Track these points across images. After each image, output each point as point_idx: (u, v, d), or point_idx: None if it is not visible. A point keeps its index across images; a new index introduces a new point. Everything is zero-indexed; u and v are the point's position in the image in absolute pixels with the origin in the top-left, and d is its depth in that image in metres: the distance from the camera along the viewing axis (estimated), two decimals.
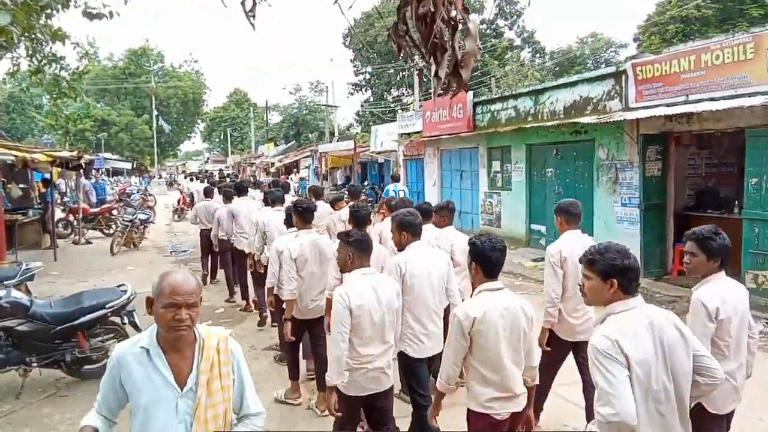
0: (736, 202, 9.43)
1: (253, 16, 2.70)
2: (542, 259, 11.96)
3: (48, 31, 8.73)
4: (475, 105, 15.59)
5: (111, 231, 15.95)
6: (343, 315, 3.41)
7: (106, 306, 5.60)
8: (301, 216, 5.20)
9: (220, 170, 37.50)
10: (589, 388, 3.92)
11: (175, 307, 2.13)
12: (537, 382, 3.24)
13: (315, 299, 5.07)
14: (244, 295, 8.60)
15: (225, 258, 9.24)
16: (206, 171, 34.97)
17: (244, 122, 65.82)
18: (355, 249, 3.61)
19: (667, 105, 9.32)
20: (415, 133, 18.97)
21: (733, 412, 3.21)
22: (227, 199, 9.11)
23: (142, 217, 14.80)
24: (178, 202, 22.59)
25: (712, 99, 8.60)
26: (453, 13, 2.41)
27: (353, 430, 3.72)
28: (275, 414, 4.93)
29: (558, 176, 12.68)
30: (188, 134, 68.30)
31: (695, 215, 9.99)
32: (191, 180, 27.36)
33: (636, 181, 10.34)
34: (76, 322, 5.45)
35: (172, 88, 58.14)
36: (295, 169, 34.67)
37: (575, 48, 39.77)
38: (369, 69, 42.33)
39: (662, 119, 9.68)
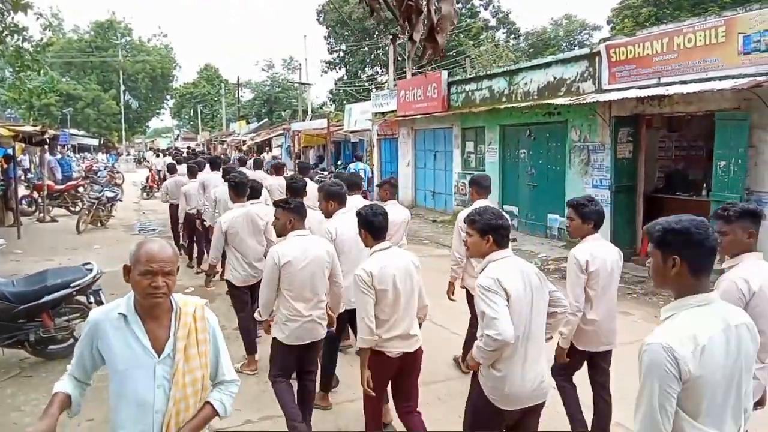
0: (705, 185, 9.61)
1: None
2: (514, 240, 12.15)
3: (9, 0, 8.40)
4: (449, 85, 15.55)
5: (77, 209, 15.58)
6: (273, 269, 3.90)
7: (71, 285, 5.48)
8: (234, 190, 5.76)
9: (189, 147, 36.89)
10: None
11: (152, 275, 2.17)
12: (426, 317, 3.84)
13: (254, 266, 5.44)
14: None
15: (190, 231, 9.62)
16: (175, 148, 34.35)
17: (215, 99, 64.71)
18: (295, 214, 4.05)
19: (639, 87, 9.41)
20: (389, 112, 18.87)
21: (605, 353, 3.91)
22: (191, 175, 9.54)
23: (109, 194, 14.51)
24: (147, 179, 22.20)
25: (683, 82, 8.71)
26: None
27: (288, 374, 4.07)
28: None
29: (531, 157, 12.76)
30: (157, 110, 67.11)
31: (665, 197, 10.17)
32: (158, 156, 26.87)
33: (607, 163, 10.46)
34: (41, 301, 5.32)
35: (140, 62, 56.88)
36: (267, 148, 34.25)
37: (549, 30, 39.89)
38: (343, 47, 41.86)
39: (634, 102, 9.78)
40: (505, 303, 2.85)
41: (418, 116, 16.45)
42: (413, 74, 21.98)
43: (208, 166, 9.83)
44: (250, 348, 5.48)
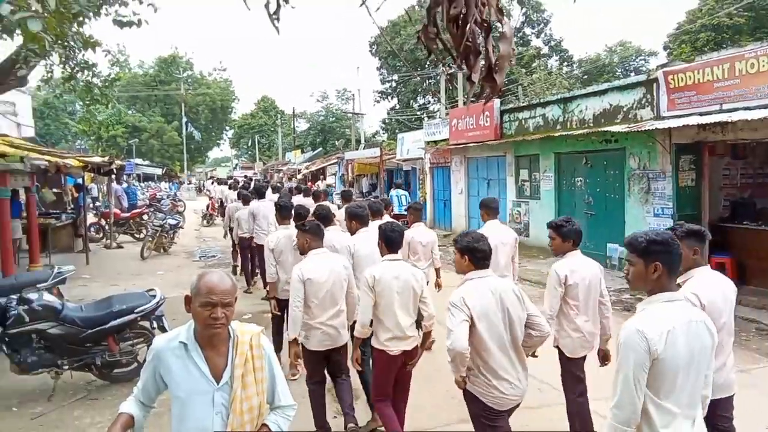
0: None
1: (277, 19, 2.67)
2: None
3: (80, 38, 8.88)
4: (502, 113, 15.47)
5: (141, 235, 16.17)
6: (297, 286, 4.41)
7: (136, 310, 5.65)
8: (279, 213, 6.46)
9: (245, 176, 37.94)
10: None
11: (211, 306, 2.24)
12: (432, 327, 4.27)
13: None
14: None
15: (244, 253, 10.44)
16: (231, 177, 35.48)
17: (272, 129, 66.43)
18: (310, 235, 4.64)
19: (700, 114, 9.11)
20: (441, 140, 18.90)
21: (585, 356, 4.38)
22: (245, 202, 10.41)
23: (172, 222, 14.98)
24: (207, 207, 22.84)
25: (747, 108, 8.39)
26: (486, 15, 2.33)
27: (319, 378, 4.62)
28: None
29: (588, 185, 12.49)
30: (217, 141, 69.24)
31: (731, 227, 9.74)
32: (217, 184, 27.71)
33: (669, 192, 10.13)
34: (107, 326, 5.50)
35: (201, 95, 59.02)
36: (321, 176, 34.79)
37: (604, 56, 39.31)
38: (395, 77, 42.41)
39: (695, 128, 9.47)
40: (464, 318, 3.26)
41: (471, 144, 16.40)
42: (464, 103, 22.00)
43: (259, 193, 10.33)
44: (322, 426, 4.91)
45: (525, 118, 14.54)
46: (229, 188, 18.29)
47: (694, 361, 2.35)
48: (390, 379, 4.18)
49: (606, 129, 10.77)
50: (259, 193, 10.12)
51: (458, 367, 3.32)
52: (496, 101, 15.98)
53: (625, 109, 11.19)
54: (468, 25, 2.24)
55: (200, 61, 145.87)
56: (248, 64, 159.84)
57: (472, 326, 3.30)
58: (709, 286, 3.23)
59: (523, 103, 16.29)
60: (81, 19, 9.05)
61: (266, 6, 2.63)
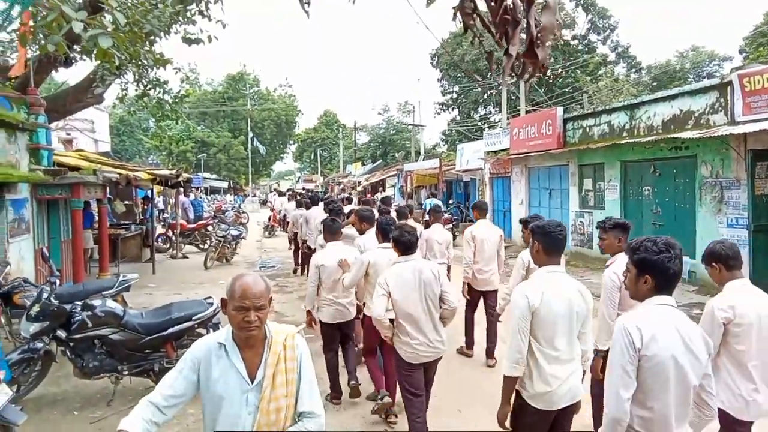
0: None
1: (308, 3, 2.64)
2: None
3: (152, 57, 9.23)
4: (565, 121, 15.07)
5: (206, 246, 16.62)
6: (313, 269, 5.64)
7: (193, 318, 5.73)
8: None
9: (304, 189, 38.83)
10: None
11: (245, 310, 2.28)
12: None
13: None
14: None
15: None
16: (291, 190, 36.48)
17: (333, 143, 67.42)
18: (326, 233, 5.85)
19: None
20: (501, 150, 18.59)
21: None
22: (306, 207, 11.66)
23: (235, 233, 15.31)
24: (269, 219, 23.31)
25: None
26: None
27: (333, 346, 5.64)
28: None
29: (656, 195, 11.94)
30: (281, 155, 70.81)
31: None
32: (279, 195, 28.35)
33: (744, 201, 9.53)
34: (165, 332, 5.61)
35: (266, 110, 60.60)
36: (381, 188, 34.94)
37: (674, 62, 37.79)
38: (456, 88, 42.18)
39: None
40: (382, 293, 4.26)
41: (532, 154, 16.04)
42: (527, 112, 21.58)
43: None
44: (334, 386, 5.68)
45: (589, 125, 14.09)
46: (288, 200, 18.80)
47: (567, 318, 3.18)
48: (376, 337, 4.95)
49: (676, 136, 10.27)
50: (313, 201, 11.53)
51: (381, 328, 4.38)
52: (559, 109, 15.59)
53: (696, 115, 10.64)
54: None
55: (266, 77, 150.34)
56: (312, 80, 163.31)
57: (391, 299, 4.28)
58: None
59: (587, 111, 15.81)
60: (152, 38, 9.42)
61: None
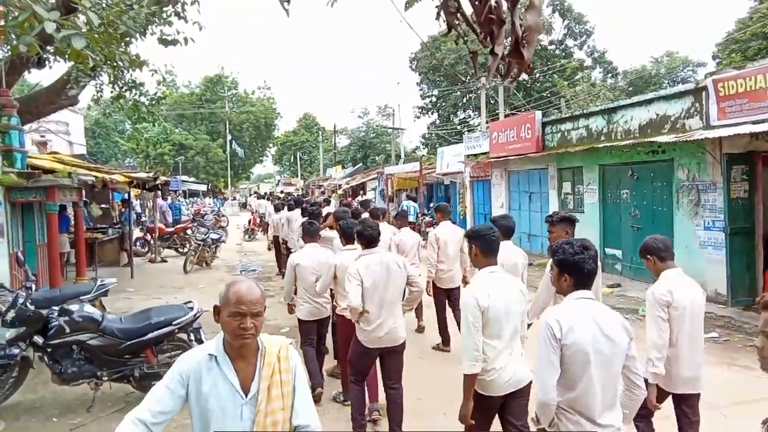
0: None
1: (288, 1, 2.62)
2: (618, 285, 11.45)
3: (127, 58, 9.11)
4: (544, 125, 15.21)
5: (185, 250, 16.45)
6: (290, 269, 6.03)
7: (174, 323, 5.65)
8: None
9: (282, 192, 38.92)
10: None
11: (240, 316, 2.21)
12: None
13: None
14: None
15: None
16: (271, 193, 36.32)
17: (313, 146, 67.26)
18: (305, 234, 6.22)
19: (753, 122, 8.72)
20: (481, 154, 18.70)
21: None
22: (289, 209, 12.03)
23: (214, 236, 15.20)
24: (249, 222, 23.17)
25: None
26: None
27: (311, 339, 6.00)
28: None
29: (634, 198, 12.10)
30: (260, 158, 70.44)
31: None
32: (258, 198, 28.25)
33: (720, 204, 9.70)
34: (145, 337, 5.53)
35: (245, 113, 60.22)
36: (361, 191, 34.90)
37: (650, 67, 38.41)
38: (435, 92, 42.40)
39: (747, 138, 9.08)
40: (357, 283, 4.59)
41: (512, 157, 16.16)
42: (506, 116, 21.75)
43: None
44: (313, 378, 5.80)
45: (568, 129, 14.24)
46: (267, 201, 18.95)
47: (510, 313, 3.51)
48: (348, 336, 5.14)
49: (653, 140, 10.42)
50: (297, 203, 11.76)
51: (353, 315, 4.69)
52: (538, 113, 15.74)
53: (672, 119, 10.82)
54: None
55: (245, 79, 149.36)
56: (291, 82, 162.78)
57: (363, 288, 4.61)
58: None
59: (565, 115, 15.98)
60: (128, 39, 9.30)
61: None
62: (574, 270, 2.83)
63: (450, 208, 8.19)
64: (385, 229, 7.80)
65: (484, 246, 3.66)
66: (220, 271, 14.38)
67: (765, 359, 2.19)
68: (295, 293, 6.14)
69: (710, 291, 9.76)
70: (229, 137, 54.44)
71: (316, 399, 5.51)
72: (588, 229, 13.39)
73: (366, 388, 5.01)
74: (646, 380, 3.35)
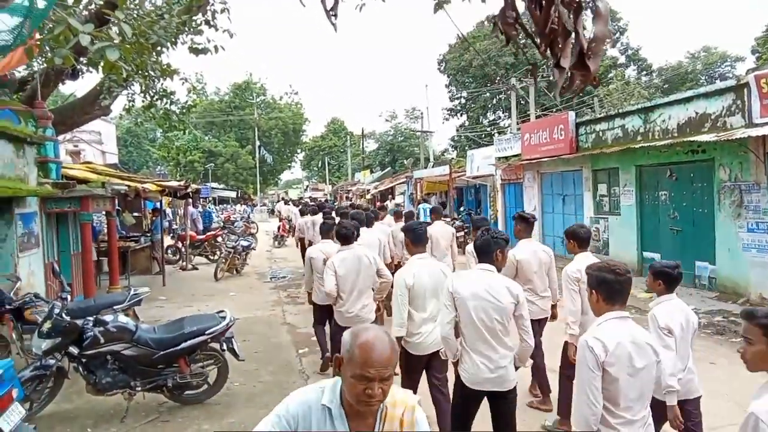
0: None
1: (335, 16, 2.55)
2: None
3: (158, 67, 9.24)
4: (578, 125, 14.98)
5: (216, 257, 16.63)
6: (307, 264, 7.09)
7: (206, 332, 5.69)
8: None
9: (310, 198, 39.40)
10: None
11: (367, 380, 1.93)
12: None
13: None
14: None
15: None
16: (300, 198, 36.64)
17: (341, 150, 67.52)
18: (321, 232, 7.36)
19: None
20: (512, 156, 18.51)
21: None
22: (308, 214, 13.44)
23: (244, 243, 15.31)
24: (278, 229, 23.29)
25: None
26: None
27: (322, 321, 7.08)
28: None
29: (673, 199, 11.81)
30: (288, 163, 70.99)
31: None
32: (285, 204, 28.48)
33: (764, 204, 9.40)
34: (178, 347, 5.57)
35: (273, 119, 60.83)
36: (390, 196, 34.90)
37: (686, 63, 37.61)
38: (464, 94, 42.21)
39: None
40: (331, 273, 5.71)
41: (545, 159, 15.95)
42: (537, 116, 21.51)
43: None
44: (324, 352, 7.07)
45: (602, 129, 13.99)
46: (295, 206, 19.44)
47: (432, 289, 4.55)
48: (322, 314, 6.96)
49: (693, 139, 10.16)
50: (320, 208, 13.60)
51: (330, 299, 5.92)
52: (571, 114, 15.51)
53: (712, 117, 10.53)
54: (553, 5, 1.99)
55: (273, 85, 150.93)
56: (318, 87, 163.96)
57: (337, 276, 5.71)
58: (524, 251, 5.65)
59: (599, 115, 15.70)
60: (159, 48, 9.44)
61: (323, 2, 2.54)
62: (412, 236, 4.83)
63: (441, 210, 9.73)
64: (378, 228, 9.04)
65: (414, 238, 4.79)
66: (250, 278, 14.49)
67: (748, 362, 2.42)
68: None
69: (754, 295, 9.45)
70: (257, 143, 55.10)
71: (325, 367, 6.92)
72: (625, 231, 13.15)
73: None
74: (663, 402, 3.63)
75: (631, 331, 2.94)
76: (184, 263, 16.32)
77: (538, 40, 2.07)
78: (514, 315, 3.88)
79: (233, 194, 54.20)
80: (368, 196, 38.31)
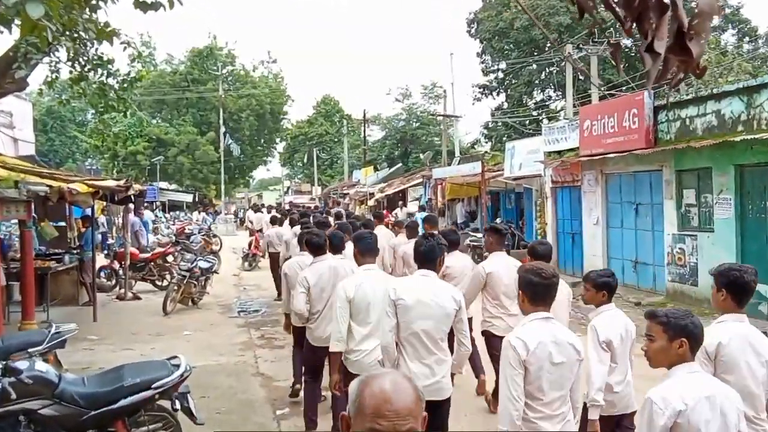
0: None
1: None
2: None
3: (93, 27, 9.29)
4: (656, 110, 14.99)
5: (165, 283, 16.64)
6: (283, 280, 8.45)
7: (153, 386, 5.68)
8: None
9: (291, 203, 39.73)
10: None
11: None
12: None
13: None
14: None
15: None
16: (278, 204, 36.90)
17: (335, 140, 67.76)
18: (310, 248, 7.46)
19: None
20: (568, 150, 18.53)
21: None
22: (291, 225, 14.21)
23: (204, 265, 15.29)
24: (249, 246, 23.27)
25: None
26: None
27: (301, 344, 7.55)
28: None
29: None
30: (264, 157, 71.19)
31: None
32: (255, 212, 28.58)
33: None
34: (115, 406, 5.56)
35: (244, 97, 61.03)
36: (401, 202, 34.93)
37: None
38: (503, 65, 42.27)
39: None
40: (302, 290, 6.64)
41: (611, 155, 15.95)
42: (601, 97, 21.54)
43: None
44: (298, 377, 8.06)
45: (690, 116, 14.01)
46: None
47: (376, 303, 5.38)
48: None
49: None
50: (302, 216, 14.78)
51: (300, 319, 6.93)
52: (647, 95, 15.50)
53: None
54: None
55: (244, 52, 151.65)
56: (306, 56, 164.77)
57: (309, 294, 6.66)
58: (495, 263, 7.06)
59: (686, 95, 15.72)
60: (94, 2, 9.49)
61: None
62: (419, 257, 5.16)
63: (437, 218, 11.27)
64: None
65: (362, 247, 5.88)
66: (211, 312, 14.51)
67: (650, 359, 3.55)
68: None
69: None
70: (222, 130, 55.28)
71: (295, 393, 8.12)
72: (720, 254, 13.08)
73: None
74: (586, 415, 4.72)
75: (554, 331, 4.01)
76: (123, 291, 16.31)
77: (622, 14, 2.04)
78: (454, 320, 4.94)
79: (189, 198, 54.36)
80: (371, 202, 38.36)
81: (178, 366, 5.91)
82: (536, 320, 4.00)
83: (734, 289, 4.20)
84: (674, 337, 3.53)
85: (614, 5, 2.05)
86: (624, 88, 27.64)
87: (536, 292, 4.01)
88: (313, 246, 6.95)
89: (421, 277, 4.98)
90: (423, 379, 4.64)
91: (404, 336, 4.83)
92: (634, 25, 2.03)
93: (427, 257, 4.99)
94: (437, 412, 4.73)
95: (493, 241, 7.29)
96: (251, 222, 26.51)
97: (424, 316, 4.78)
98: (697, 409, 3.28)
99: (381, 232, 10.19)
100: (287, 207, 35.47)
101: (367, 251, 5.84)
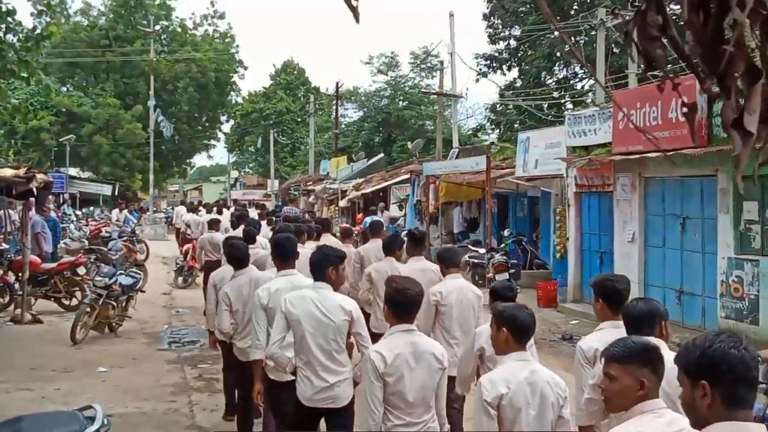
0: None
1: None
2: None
3: None
4: (710, 99, 15.09)
5: (74, 302, 16.50)
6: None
7: None
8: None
9: (237, 201, 39.49)
10: None
11: None
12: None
13: None
14: None
15: None
16: (221, 200, 36.78)
17: (299, 120, 67.62)
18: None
19: None
20: (598, 146, 18.60)
21: None
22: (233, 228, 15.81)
23: (126, 281, 15.19)
24: (185, 255, 23.10)
25: None
26: None
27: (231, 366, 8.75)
28: None
29: None
30: (206, 140, 70.87)
31: None
32: (192, 210, 28.51)
33: None
34: None
35: (182, 62, 60.79)
36: (382, 203, 34.84)
37: None
38: (516, 32, 42.32)
39: None
40: (225, 308, 7.88)
41: (652, 155, 16.03)
42: (641, 80, 21.62)
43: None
44: (230, 403, 9.32)
45: None
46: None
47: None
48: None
49: None
50: (240, 219, 15.93)
51: (226, 337, 8.15)
52: (698, 84, 15.58)
53: None
54: (729, 13, 1.94)
55: (183, 4, 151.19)
56: (263, 12, 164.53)
57: (231, 310, 7.89)
58: (453, 285, 8.20)
59: None
60: None
61: None
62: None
63: (382, 224, 13.85)
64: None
65: (278, 252, 7.16)
66: (134, 342, 14.43)
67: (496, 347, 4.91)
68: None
69: None
70: (153, 103, 54.85)
71: (227, 414, 9.36)
72: None
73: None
74: None
75: (414, 341, 5.24)
76: (19, 311, 16.20)
77: (701, 66, 2.05)
78: (351, 333, 6.10)
79: (107, 190, 53.96)
80: (343, 203, 38.27)
81: (92, 419, 5.87)
82: (396, 333, 5.28)
83: (609, 298, 5.52)
84: (499, 326, 4.84)
85: (688, 57, 2.03)
86: (668, 68, 27.75)
87: (399, 307, 5.26)
88: (233, 259, 8.16)
89: (311, 290, 6.21)
90: (318, 387, 5.99)
91: (298, 346, 6.06)
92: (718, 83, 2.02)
93: (317, 267, 6.24)
94: (338, 419, 6.16)
95: (410, 246, 9.05)
96: (188, 224, 25.86)
97: (314, 328, 6.00)
98: (519, 391, 4.55)
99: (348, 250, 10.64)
100: (233, 203, 35.20)
101: (285, 257, 7.06)
